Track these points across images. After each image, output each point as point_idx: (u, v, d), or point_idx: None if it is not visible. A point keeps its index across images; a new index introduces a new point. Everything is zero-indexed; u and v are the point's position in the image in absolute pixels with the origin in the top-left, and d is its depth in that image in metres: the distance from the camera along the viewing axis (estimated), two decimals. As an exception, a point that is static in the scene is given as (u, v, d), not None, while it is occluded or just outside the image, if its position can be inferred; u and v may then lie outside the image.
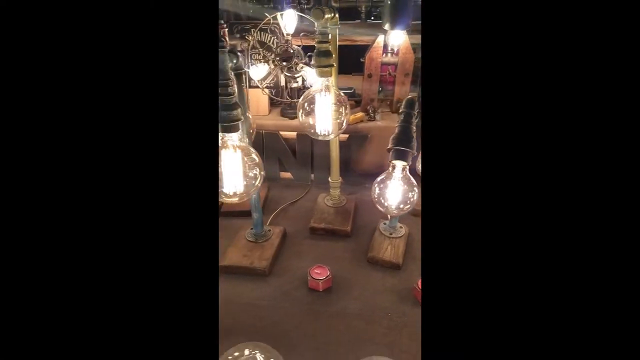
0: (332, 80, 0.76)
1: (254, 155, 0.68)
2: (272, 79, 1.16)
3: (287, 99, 1.18)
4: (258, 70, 1.08)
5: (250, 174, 0.67)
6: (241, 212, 0.98)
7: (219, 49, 0.60)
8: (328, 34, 0.70)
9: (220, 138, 0.66)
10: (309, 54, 1.00)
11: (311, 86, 1.06)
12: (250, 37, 1.15)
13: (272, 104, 1.25)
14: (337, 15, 0.75)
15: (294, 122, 1.16)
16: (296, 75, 1.10)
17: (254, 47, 1.16)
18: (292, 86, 1.18)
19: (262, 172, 0.68)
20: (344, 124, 0.78)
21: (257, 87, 1.20)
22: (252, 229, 0.87)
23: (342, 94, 0.77)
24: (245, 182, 0.68)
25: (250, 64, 1.14)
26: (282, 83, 1.24)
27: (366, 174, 1.08)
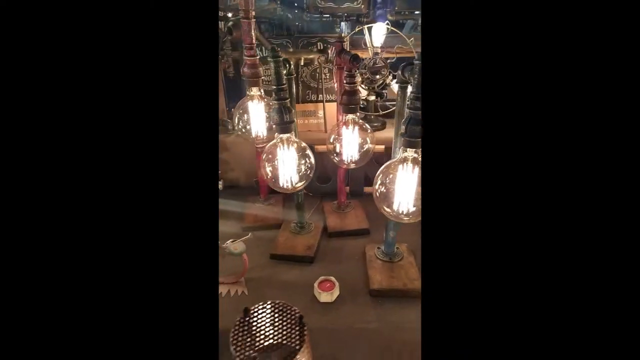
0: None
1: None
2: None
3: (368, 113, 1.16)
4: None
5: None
6: (352, 232, 0.93)
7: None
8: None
9: (401, 151, 0.63)
10: (403, 64, 1.00)
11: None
12: (329, 51, 1.12)
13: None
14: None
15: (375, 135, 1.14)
16: (383, 90, 1.09)
17: (329, 61, 1.13)
18: (369, 99, 1.16)
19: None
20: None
21: (333, 101, 1.17)
22: (379, 248, 0.83)
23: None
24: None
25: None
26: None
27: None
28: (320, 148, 1.04)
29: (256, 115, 0.86)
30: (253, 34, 0.77)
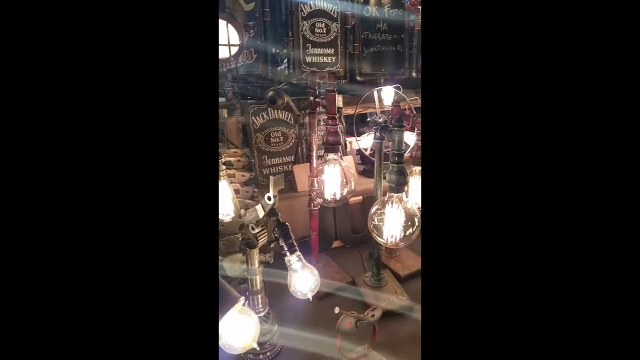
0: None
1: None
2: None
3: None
4: (368, 139, 1.16)
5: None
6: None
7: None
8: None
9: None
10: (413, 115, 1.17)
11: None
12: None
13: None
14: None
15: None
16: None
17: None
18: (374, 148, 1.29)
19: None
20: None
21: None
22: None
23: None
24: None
25: (360, 134, 1.20)
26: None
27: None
28: (353, 200, 1.10)
29: (331, 178, 0.88)
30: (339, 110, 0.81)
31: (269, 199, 0.59)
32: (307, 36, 1.38)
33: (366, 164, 1.33)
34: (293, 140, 1.26)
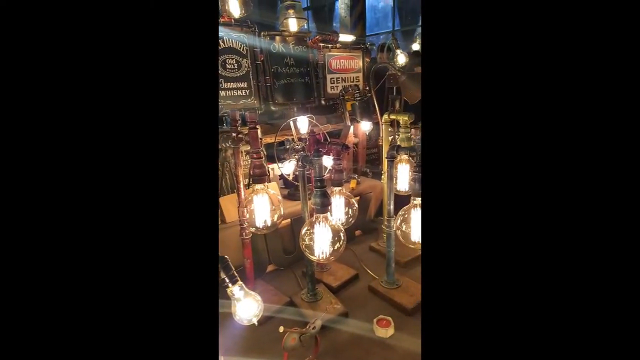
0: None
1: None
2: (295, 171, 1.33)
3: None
4: (290, 166, 1.25)
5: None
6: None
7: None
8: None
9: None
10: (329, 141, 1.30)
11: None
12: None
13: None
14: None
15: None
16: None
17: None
18: (296, 173, 1.39)
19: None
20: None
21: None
22: (382, 280, 1.07)
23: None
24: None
25: (281, 161, 1.27)
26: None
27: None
28: (283, 223, 1.17)
29: (261, 206, 0.93)
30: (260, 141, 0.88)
31: (208, 235, 0.62)
32: (220, 72, 1.43)
33: (289, 188, 1.41)
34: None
